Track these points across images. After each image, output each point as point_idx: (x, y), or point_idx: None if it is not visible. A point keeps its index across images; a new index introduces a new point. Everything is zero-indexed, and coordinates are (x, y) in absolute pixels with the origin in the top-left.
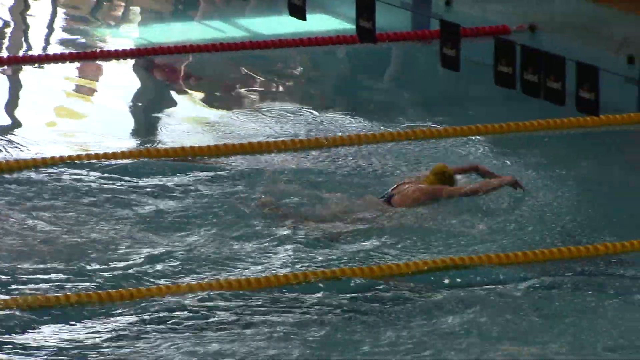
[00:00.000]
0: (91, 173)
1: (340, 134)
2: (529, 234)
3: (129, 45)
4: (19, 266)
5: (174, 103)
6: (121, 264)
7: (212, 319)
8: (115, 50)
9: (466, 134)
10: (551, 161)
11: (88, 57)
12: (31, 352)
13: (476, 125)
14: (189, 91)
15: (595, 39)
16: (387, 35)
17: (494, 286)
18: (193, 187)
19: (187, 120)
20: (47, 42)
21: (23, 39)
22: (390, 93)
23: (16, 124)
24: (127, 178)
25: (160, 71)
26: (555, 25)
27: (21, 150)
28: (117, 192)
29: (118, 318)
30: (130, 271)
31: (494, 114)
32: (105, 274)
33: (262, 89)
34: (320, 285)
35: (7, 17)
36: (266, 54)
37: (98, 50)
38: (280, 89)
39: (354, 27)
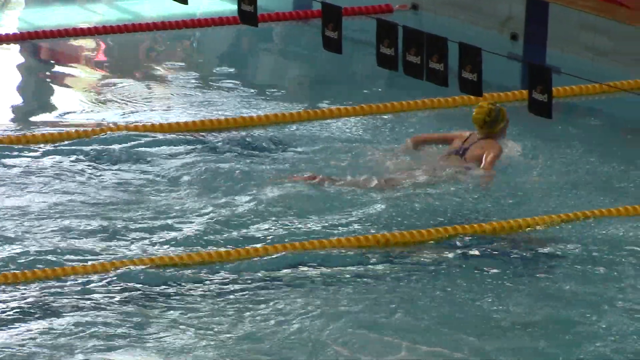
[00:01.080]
0: None
1: (231, 115)
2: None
3: (13, 29)
4: None
5: (59, 86)
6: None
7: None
8: None
9: (351, 114)
10: None
11: None
12: None
13: (361, 106)
14: (75, 75)
15: (478, 17)
16: (269, 16)
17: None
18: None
19: (75, 101)
20: None
21: None
22: (273, 74)
23: None
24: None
25: (46, 55)
26: (437, 4)
27: None
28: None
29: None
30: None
31: (379, 94)
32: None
33: (147, 71)
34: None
35: None
36: (149, 36)
37: None
38: (164, 71)
39: (236, 8)
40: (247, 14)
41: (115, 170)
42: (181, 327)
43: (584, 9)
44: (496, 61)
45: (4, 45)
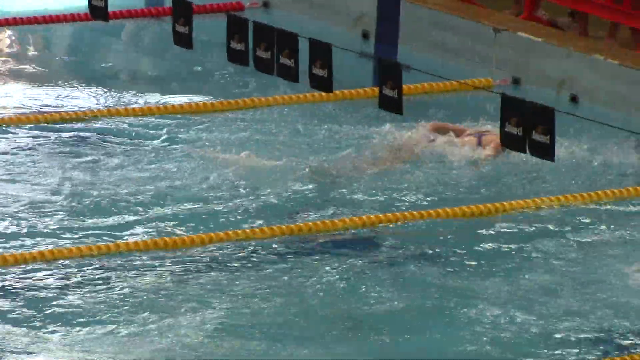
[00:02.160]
0: None
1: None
2: None
3: None
4: None
5: None
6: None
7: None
8: None
9: (202, 110)
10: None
11: None
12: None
13: (212, 102)
14: None
15: (330, 15)
16: (120, 12)
17: None
18: None
19: None
20: None
21: None
22: (123, 70)
23: None
24: None
25: None
26: (289, 2)
27: None
28: None
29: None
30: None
31: (231, 90)
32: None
33: None
34: None
35: None
36: None
37: None
38: (11, 67)
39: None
40: (98, 10)
41: None
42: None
43: (434, 7)
44: (348, 59)
45: None
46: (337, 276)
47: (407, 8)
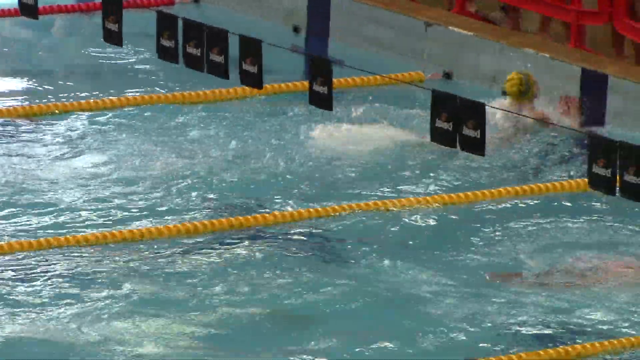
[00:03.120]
0: None
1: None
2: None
3: None
4: None
5: None
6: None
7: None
8: None
9: (132, 104)
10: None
11: None
12: None
13: (142, 96)
14: None
15: (261, 10)
16: (50, 8)
17: None
18: None
19: None
20: None
21: None
22: (50, 65)
23: None
24: None
25: None
26: None
27: None
28: None
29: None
30: None
31: (160, 85)
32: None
33: None
34: None
35: None
36: None
37: None
38: None
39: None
40: (28, 7)
41: None
42: None
43: (366, 2)
44: (280, 54)
45: None
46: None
47: (338, 2)
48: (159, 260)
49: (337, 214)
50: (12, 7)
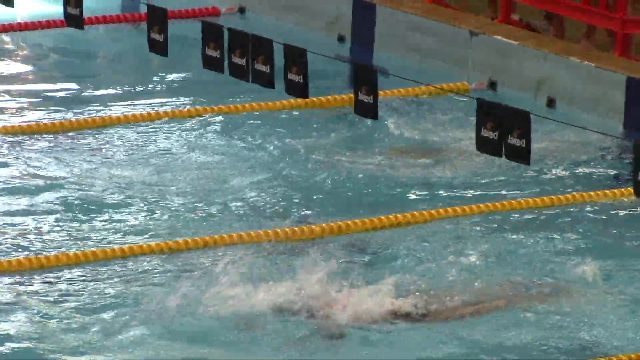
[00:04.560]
0: None
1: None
2: None
3: None
4: None
5: None
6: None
7: None
8: None
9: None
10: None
11: None
12: None
13: (189, 109)
14: None
15: (305, 19)
16: (96, 18)
17: None
18: None
19: None
20: None
21: None
22: (100, 77)
23: None
24: None
25: None
26: (264, 7)
27: None
28: None
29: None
30: None
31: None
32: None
33: None
34: None
35: None
36: None
37: None
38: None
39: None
40: (73, 17)
41: None
42: None
43: (411, 11)
44: (324, 63)
45: None
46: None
47: (382, 11)
48: (215, 266)
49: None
50: (59, 18)
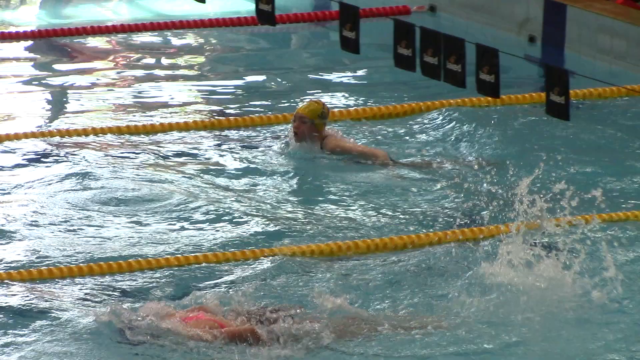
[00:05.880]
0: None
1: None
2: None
3: (32, 27)
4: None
5: (75, 84)
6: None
7: None
8: (17, 33)
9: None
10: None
11: None
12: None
13: (386, 106)
14: (91, 73)
15: (496, 19)
16: (287, 16)
17: None
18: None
19: (94, 100)
20: None
21: None
22: (290, 75)
23: None
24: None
25: (61, 53)
26: (455, 6)
27: None
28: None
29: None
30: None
31: (398, 96)
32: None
33: (161, 71)
34: None
35: None
36: (165, 35)
37: None
38: (182, 70)
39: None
40: (265, 13)
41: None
42: None
43: (601, 12)
44: (513, 63)
45: (21, 42)
46: None
47: (573, 12)
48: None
49: None
50: (250, 14)
